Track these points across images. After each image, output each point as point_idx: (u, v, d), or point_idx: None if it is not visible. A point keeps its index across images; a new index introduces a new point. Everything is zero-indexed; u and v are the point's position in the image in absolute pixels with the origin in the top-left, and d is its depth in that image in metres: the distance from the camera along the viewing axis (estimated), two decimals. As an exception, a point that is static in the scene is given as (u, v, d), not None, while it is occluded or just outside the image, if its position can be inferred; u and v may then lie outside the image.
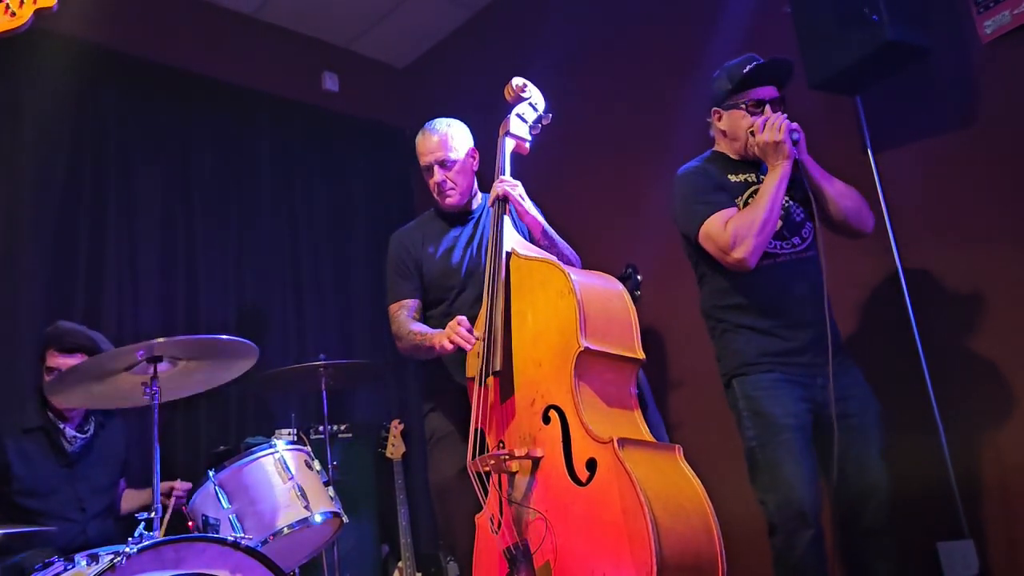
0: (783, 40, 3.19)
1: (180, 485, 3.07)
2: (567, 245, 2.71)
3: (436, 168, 2.75)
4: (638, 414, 2.20)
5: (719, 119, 2.64)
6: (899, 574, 2.44)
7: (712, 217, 2.47)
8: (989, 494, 2.84)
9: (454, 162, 2.75)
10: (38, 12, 1.95)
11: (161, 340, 2.40)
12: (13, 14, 1.92)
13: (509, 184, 2.58)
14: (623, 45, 4.13)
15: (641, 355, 2.24)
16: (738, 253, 2.40)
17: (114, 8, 4.13)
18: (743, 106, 2.55)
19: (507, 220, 2.52)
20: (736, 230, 2.40)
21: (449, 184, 2.75)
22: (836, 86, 3.11)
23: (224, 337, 2.58)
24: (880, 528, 2.42)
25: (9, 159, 3.73)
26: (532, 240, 2.63)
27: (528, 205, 2.61)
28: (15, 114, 3.78)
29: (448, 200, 2.77)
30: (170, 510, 2.96)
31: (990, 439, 2.85)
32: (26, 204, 3.76)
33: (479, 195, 2.88)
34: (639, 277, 3.48)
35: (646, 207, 3.90)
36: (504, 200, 2.55)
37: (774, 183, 2.43)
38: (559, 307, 2.20)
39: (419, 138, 2.81)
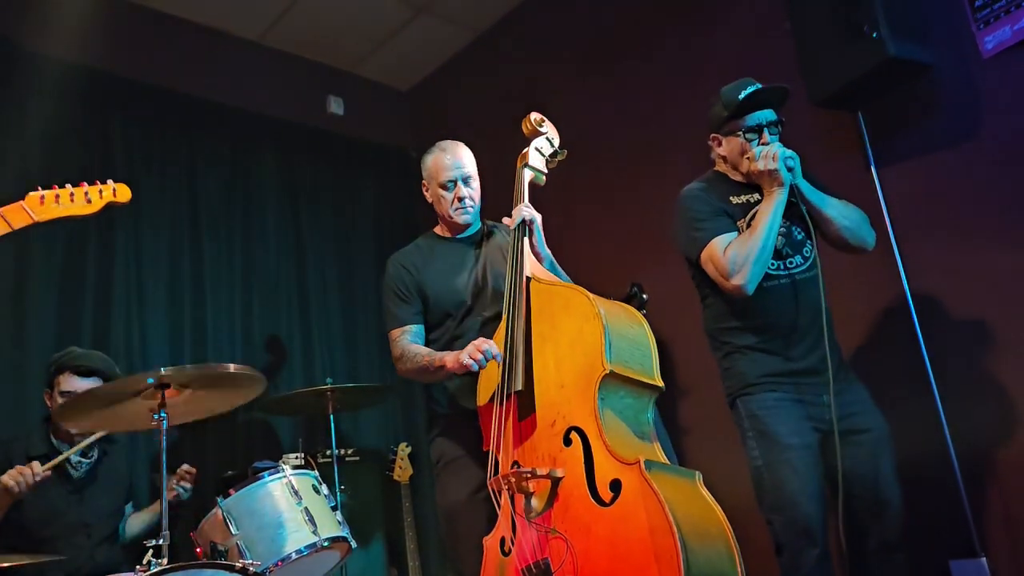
0: (783, 57, 3.20)
1: (185, 468, 3.09)
2: (569, 280, 2.71)
3: (460, 184, 2.76)
4: (655, 440, 2.23)
5: (718, 145, 2.67)
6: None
7: (712, 242, 2.50)
8: (1001, 511, 2.82)
9: (475, 179, 2.80)
10: (109, 204, 2.26)
11: (169, 369, 2.43)
12: (89, 201, 2.20)
13: (534, 212, 2.60)
14: (624, 65, 4.15)
15: (660, 383, 2.27)
16: (736, 280, 2.43)
17: (120, 35, 4.19)
18: (739, 134, 2.58)
19: (527, 243, 2.54)
20: (734, 258, 2.43)
21: (469, 202, 2.77)
22: (837, 102, 3.13)
23: (232, 367, 2.59)
24: (892, 544, 2.42)
25: (17, 186, 3.75)
26: None
27: (541, 237, 2.63)
28: (23, 140, 3.81)
29: (464, 218, 2.78)
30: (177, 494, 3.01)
31: (1001, 455, 2.83)
32: (34, 232, 3.77)
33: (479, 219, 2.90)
34: (645, 296, 3.48)
35: (650, 226, 3.90)
36: (525, 225, 2.57)
37: (769, 211, 2.46)
38: (584, 331, 2.23)
39: (438, 155, 2.80)
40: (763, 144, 2.52)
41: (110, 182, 2.30)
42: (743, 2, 3.67)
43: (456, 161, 2.78)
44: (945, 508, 2.87)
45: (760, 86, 2.57)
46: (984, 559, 2.80)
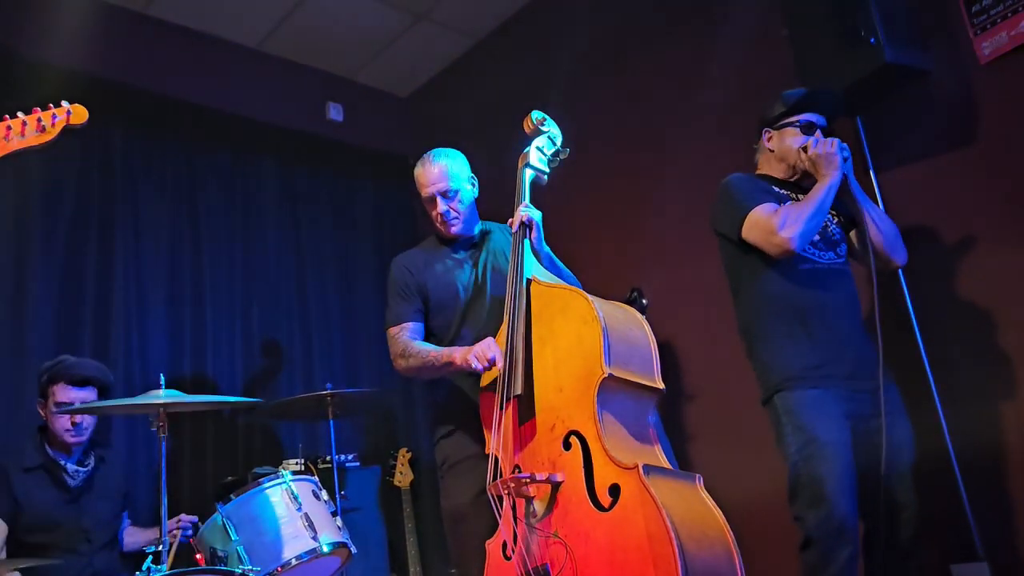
0: (781, 63, 3.21)
1: (185, 518, 3.06)
2: (572, 276, 2.72)
3: (438, 199, 2.75)
4: (656, 443, 2.22)
5: (769, 139, 2.75)
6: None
7: (759, 207, 2.56)
8: (1003, 514, 2.82)
9: (456, 191, 2.76)
10: (67, 128, 2.06)
11: (173, 401, 2.55)
12: (43, 129, 2.03)
13: (534, 211, 2.60)
14: (624, 70, 4.17)
15: (661, 385, 2.26)
16: (786, 233, 2.47)
17: (119, 42, 4.20)
18: (796, 125, 2.68)
19: (528, 244, 2.54)
20: (785, 215, 2.50)
21: (452, 214, 2.76)
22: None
23: (233, 399, 2.86)
24: (905, 547, 2.43)
25: (17, 193, 3.77)
26: None
27: (541, 234, 2.63)
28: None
29: (452, 229, 2.78)
30: (175, 544, 2.95)
31: (1002, 457, 2.83)
32: (34, 239, 3.78)
33: (479, 221, 2.89)
34: (644, 301, 3.48)
35: (650, 230, 3.91)
36: (527, 226, 2.57)
37: (823, 188, 2.55)
38: (582, 334, 2.22)
39: (419, 170, 2.80)
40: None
41: (64, 103, 2.08)
42: (741, 9, 3.68)
43: (429, 178, 2.76)
44: (946, 511, 2.86)
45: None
46: (986, 563, 2.79)
